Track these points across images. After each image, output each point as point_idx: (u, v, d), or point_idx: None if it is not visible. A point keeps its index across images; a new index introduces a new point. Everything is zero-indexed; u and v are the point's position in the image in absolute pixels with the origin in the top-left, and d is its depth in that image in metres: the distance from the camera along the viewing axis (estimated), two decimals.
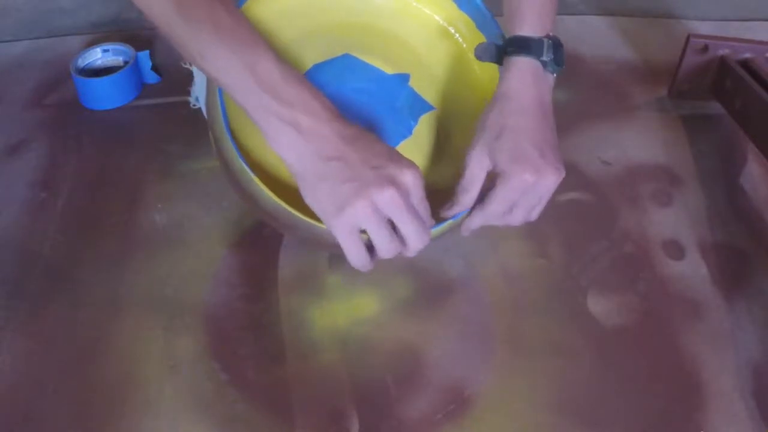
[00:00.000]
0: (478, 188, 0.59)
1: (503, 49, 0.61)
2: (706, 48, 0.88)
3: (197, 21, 0.49)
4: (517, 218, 0.59)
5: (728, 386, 0.63)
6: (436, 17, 0.72)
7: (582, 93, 0.94)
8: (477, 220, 0.60)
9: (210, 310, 0.67)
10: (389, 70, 0.68)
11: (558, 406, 0.61)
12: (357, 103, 0.66)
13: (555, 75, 0.61)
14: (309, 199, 0.52)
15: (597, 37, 1.04)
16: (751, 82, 0.82)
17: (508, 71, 0.60)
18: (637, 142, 0.87)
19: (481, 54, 0.63)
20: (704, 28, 1.05)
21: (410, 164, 0.51)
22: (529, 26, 0.60)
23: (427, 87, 0.69)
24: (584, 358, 0.65)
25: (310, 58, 0.67)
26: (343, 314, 0.67)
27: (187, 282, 0.69)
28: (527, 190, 0.57)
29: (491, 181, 0.58)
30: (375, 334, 0.66)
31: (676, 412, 0.61)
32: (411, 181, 0.51)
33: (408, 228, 0.51)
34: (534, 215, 0.59)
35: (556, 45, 0.60)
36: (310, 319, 0.67)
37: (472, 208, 0.60)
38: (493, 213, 0.58)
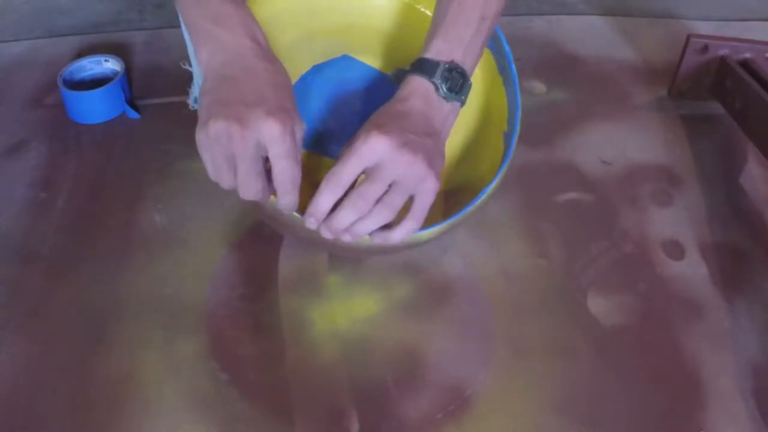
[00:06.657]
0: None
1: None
2: (706, 48, 0.88)
3: None
4: (386, 207, 0.54)
5: (728, 386, 0.63)
6: None
7: (582, 93, 0.93)
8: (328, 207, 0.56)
9: (210, 310, 0.67)
10: (388, 71, 0.69)
11: (558, 406, 0.61)
12: (355, 103, 0.66)
13: (451, 104, 0.58)
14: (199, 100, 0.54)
15: (597, 37, 1.04)
16: (751, 82, 0.82)
17: (401, 88, 0.58)
18: (637, 142, 0.87)
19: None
20: (704, 28, 1.05)
21: (281, 119, 0.51)
22: (433, 51, 0.58)
23: None
24: (584, 358, 0.65)
25: (310, 58, 0.67)
26: (343, 314, 0.67)
27: (187, 282, 0.69)
28: (385, 158, 0.53)
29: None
30: (375, 334, 0.66)
31: (676, 412, 0.61)
32: (268, 133, 0.51)
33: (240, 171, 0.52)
34: (412, 224, 0.55)
35: (454, 71, 0.58)
36: (310, 319, 0.67)
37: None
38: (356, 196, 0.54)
